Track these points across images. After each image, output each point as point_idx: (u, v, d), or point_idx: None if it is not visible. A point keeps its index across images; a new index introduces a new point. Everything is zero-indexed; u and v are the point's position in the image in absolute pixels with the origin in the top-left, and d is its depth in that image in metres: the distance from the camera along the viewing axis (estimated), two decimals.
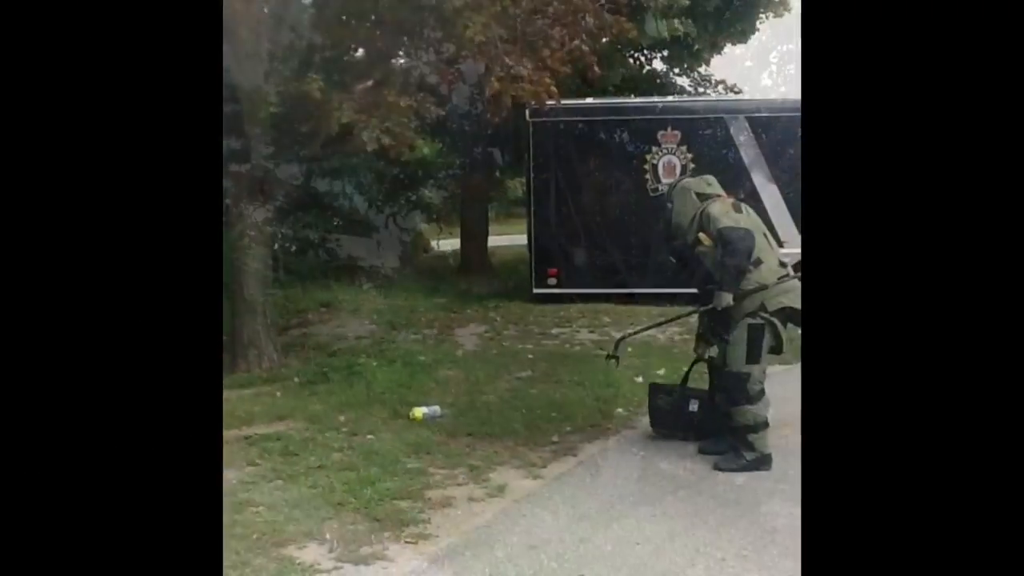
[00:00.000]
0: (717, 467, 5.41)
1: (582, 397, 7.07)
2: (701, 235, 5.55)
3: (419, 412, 6.56)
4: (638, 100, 13.97)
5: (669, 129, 12.31)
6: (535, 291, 12.68)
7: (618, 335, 9.79)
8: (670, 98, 15.34)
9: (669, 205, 5.85)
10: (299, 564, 4.07)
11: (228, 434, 6.26)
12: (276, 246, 13.48)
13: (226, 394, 7.53)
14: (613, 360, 6.27)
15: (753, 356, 5.41)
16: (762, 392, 5.45)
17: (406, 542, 4.35)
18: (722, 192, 5.79)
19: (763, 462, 5.41)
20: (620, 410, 6.69)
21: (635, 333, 7.09)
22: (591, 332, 10.37)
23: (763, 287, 5.38)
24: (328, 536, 4.38)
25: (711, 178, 5.92)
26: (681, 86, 18.57)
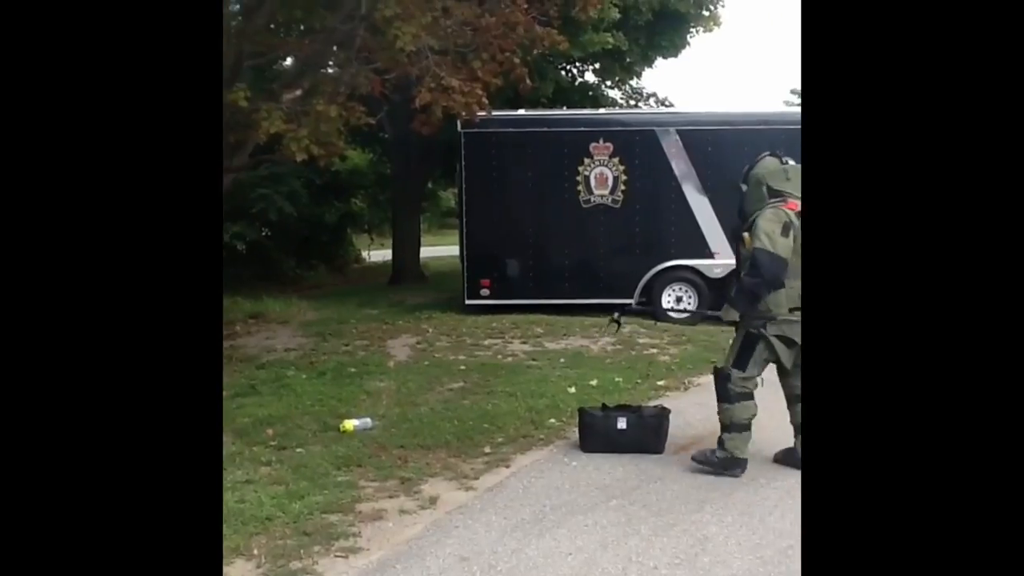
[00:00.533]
0: (693, 458, 5.54)
1: (515, 408, 7.06)
2: (745, 235, 5.45)
3: (350, 424, 6.49)
4: (570, 112, 14.07)
5: (601, 141, 12.40)
6: (468, 302, 12.66)
7: (550, 345, 9.85)
8: (602, 110, 15.48)
9: (744, 187, 5.64)
10: None
11: None
12: None
13: None
14: (615, 324, 6.66)
15: (740, 361, 5.45)
16: (743, 396, 5.44)
17: (336, 556, 4.29)
18: (798, 192, 5.37)
19: (733, 464, 5.44)
20: (552, 420, 6.70)
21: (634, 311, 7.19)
22: (523, 343, 10.39)
23: (771, 316, 5.34)
24: (256, 551, 4.31)
25: (794, 168, 5.51)
26: (613, 99, 18.76)
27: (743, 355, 5.45)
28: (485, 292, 12.59)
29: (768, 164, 5.60)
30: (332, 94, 7.57)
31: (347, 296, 15.74)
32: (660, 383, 8.03)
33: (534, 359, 9.36)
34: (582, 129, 12.55)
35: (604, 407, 6.22)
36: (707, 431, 5.92)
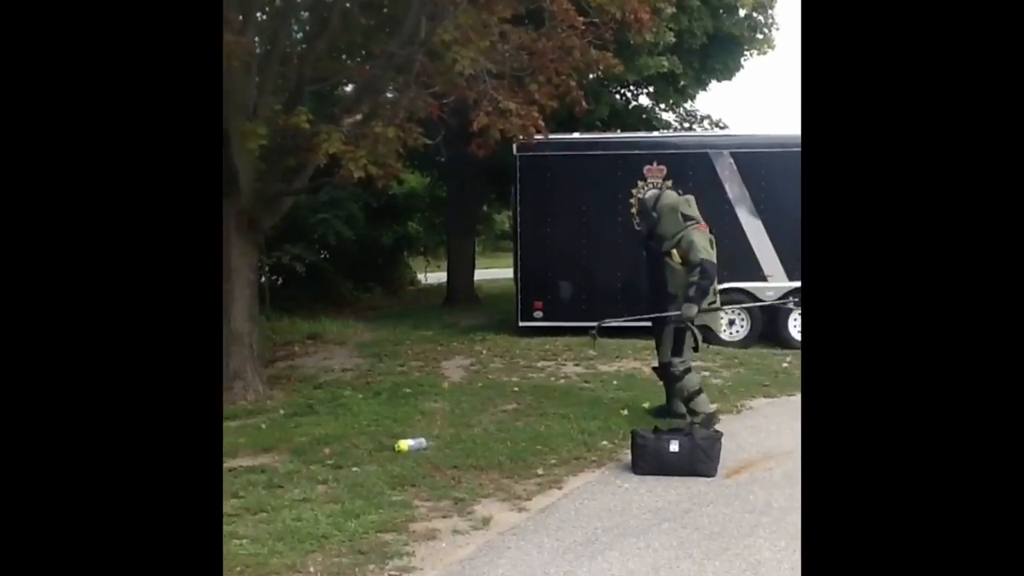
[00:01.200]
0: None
1: (567, 430, 7.07)
2: (675, 252, 7.05)
3: (404, 444, 6.55)
4: (624, 135, 14.08)
5: (655, 164, 12.40)
6: (521, 324, 12.70)
7: (603, 367, 9.85)
8: (656, 133, 15.47)
9: (655, 215, 7.28)
10: None
11: None
12: (263, 278, 13.53)
13: None
14: (593, 340, 7.92)
15: (676, 350, 7.11)
16: (685, 372, 7.10)
17: (390, 575, 4.34)
18: (699, 217, 7.19)
19: (710, 419, 6.88)
20: (605, 443, 6.70)
21: (613, 324, 8.52)
22: (576, 365, 10.39)
23: (714, 306, 7.28)
24: (312, 569, 4.37)
25: (691, 199, 7.33)
26: (667, 121, 18.75)
27: (678, 346, 7.11)
28: (538, 314, 12.62)
29: (673, 195, 7.49)
30: (391, 117, 7.68)
31: (402, 318, 15.88)
32: (712, 406, 7.98)
33: (587, 381, 9.37)
34: (636, 152, 12.56)
35: (656, 429, 6.22)
36: (759, 454, 5.88)
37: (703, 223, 7.18)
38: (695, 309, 6.96)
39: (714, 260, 6.99)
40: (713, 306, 7.20)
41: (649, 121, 17.81)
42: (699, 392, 7.10)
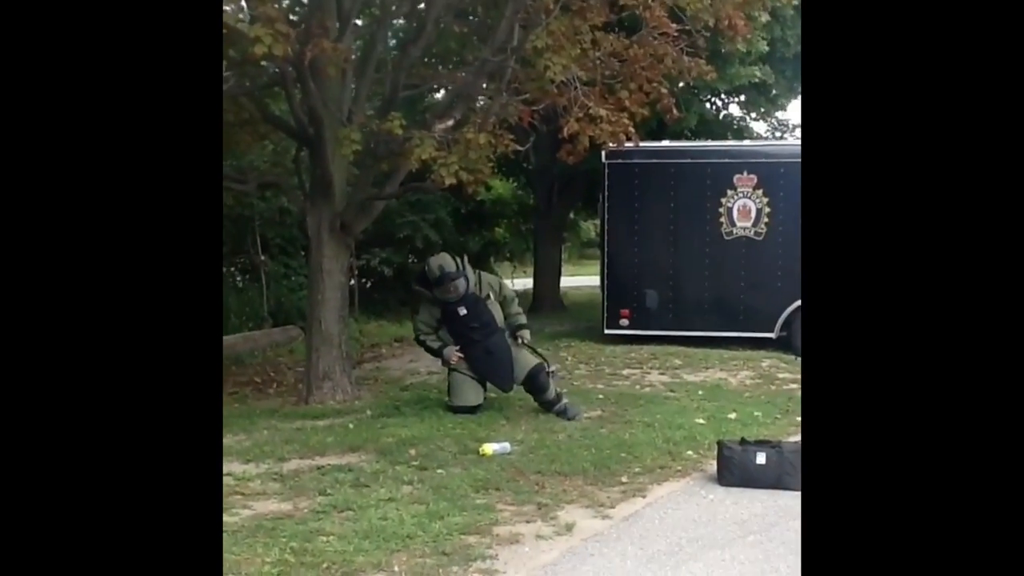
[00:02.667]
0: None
1: (652, 438, 7.03)
2: (491, 292, 8.35)
3: (489, 448, 6.59)
4: (715, 144, 13.94)
5: (745, 173, 12.26)
6: (607, 331, 12.67)
7: (689, 377, 9.77)
8: (747, 142, 15.29)
9: (468, 276, 8.26)
10: None
11: (302, 464, 6.38)
12: (353, 281, 13.75)
13: (300, 424, 7.68)
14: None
15: (538, 356, 8.38)
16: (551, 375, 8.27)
17: None
18: None
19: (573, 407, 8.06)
20: (690, 452, 6.64)
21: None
22: (662, 374, 10.32)
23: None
24: (397, 568, 4.42)
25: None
26: (757, 131, 18.51)
27: (536, 353, 8.40)
28: (624, 322, 12.58)
29: (444, 256, 8.43)
30: (482, 124, 7.75)
31: None
32: (800, 419, 7.85)
33: (672, 390, 9.30)
34: (726, 161, 12.43)
35: (743, 441, 6.14)
36: None
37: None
38: (528, 334, 8.55)
39: None
40: None
41: (739, 131, 17.62)
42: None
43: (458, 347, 8.17)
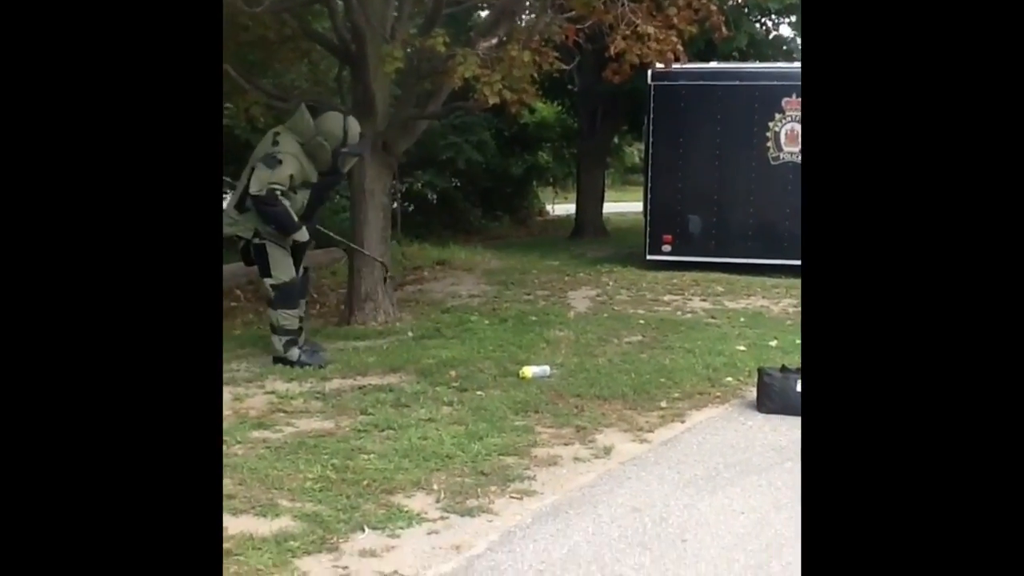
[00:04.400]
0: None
1: (692, 364, 7.00)
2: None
3: (528, 371, 6.60)
4: (763, 65, 13.63)
5: (794, 96, 11.98)
6: (649, 257, 12.59)
7: (730, 304, 9.71)
8: (797, 64, 14.92)
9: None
10: (406, 512, 4.15)
11: (343, 383, 6.44)
12: (395, 204, 13.74)
13: (342, 344, 7.75)
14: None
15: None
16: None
17: (511, 497, 4.39)
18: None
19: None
20: (729, 379, 6.61)
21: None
22: (703, 300, 10.26)
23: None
24: (435, 487, 4.46)
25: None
26: None
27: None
28: (667, 248, 12.49)
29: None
30: (526, 41, 7.61)
31: (530, 247, 15.93)
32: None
33: (713, 317, 9.24)
34: (775, 83, 12.16)
35: (783, 368, 6.09)
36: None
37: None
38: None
39: (269, 187, 6.70)
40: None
41: (790, 52, 17.19)
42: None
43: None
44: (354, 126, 7.05)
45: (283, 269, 6.92)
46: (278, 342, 6.95)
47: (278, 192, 6.68)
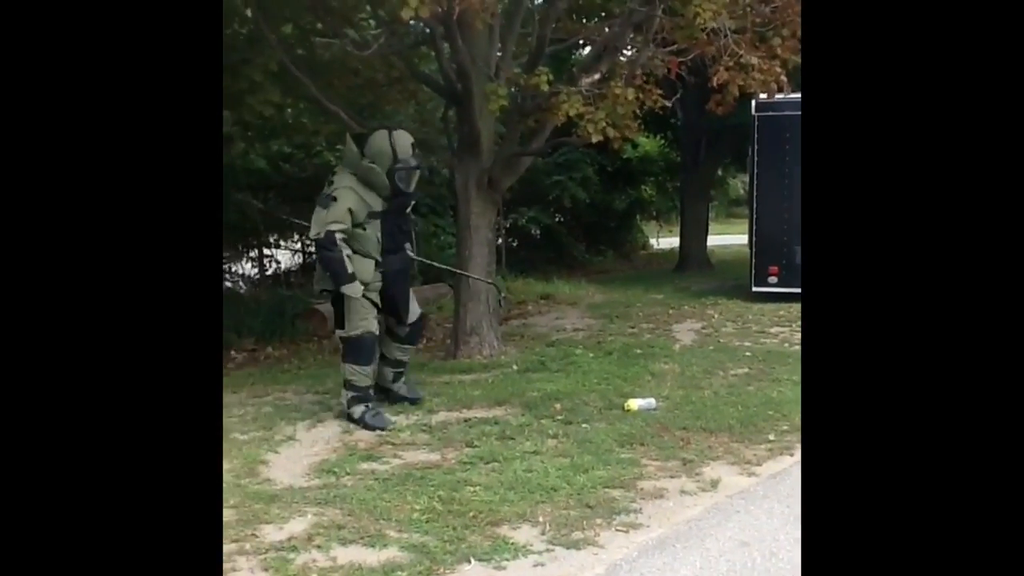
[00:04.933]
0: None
1: (800, 396, 6.84)
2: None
3: (634, 404, 6.57)
4: None
5: None
6: (755, 289, 12.40)
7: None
8: None
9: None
10: (512, 544, 4.17)
11: (449, 416, 6.51)
12: (500, 240, 13.88)
13: (448, 378, 7.83)
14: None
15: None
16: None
17: (617, 530, 4.37)
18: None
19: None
20: None
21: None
22: None
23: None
24: (541, 519, 4.46)
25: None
26: None
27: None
28: (773, 279, 12.28)
29: (394, 137, 6.57)
30: (629, 77, 7.64)
31: (634, 281, 15.86)
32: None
33: None
34: None
35: None
36: None
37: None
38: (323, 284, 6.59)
39: (327, 229, 6.23)
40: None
41: None
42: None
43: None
44: (402, 139, 6.54)
45: (357, 323, 6.43)
46: (344, 396, 6.53)
47: (336, 235, 6.24)
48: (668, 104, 8.15)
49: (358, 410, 6.41)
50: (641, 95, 7.57)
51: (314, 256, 6.86)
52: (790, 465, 5.36)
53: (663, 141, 20.91)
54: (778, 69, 7.67)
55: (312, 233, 6.41)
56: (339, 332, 6.54)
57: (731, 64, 7.39)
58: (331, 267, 6.32)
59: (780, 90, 8.11)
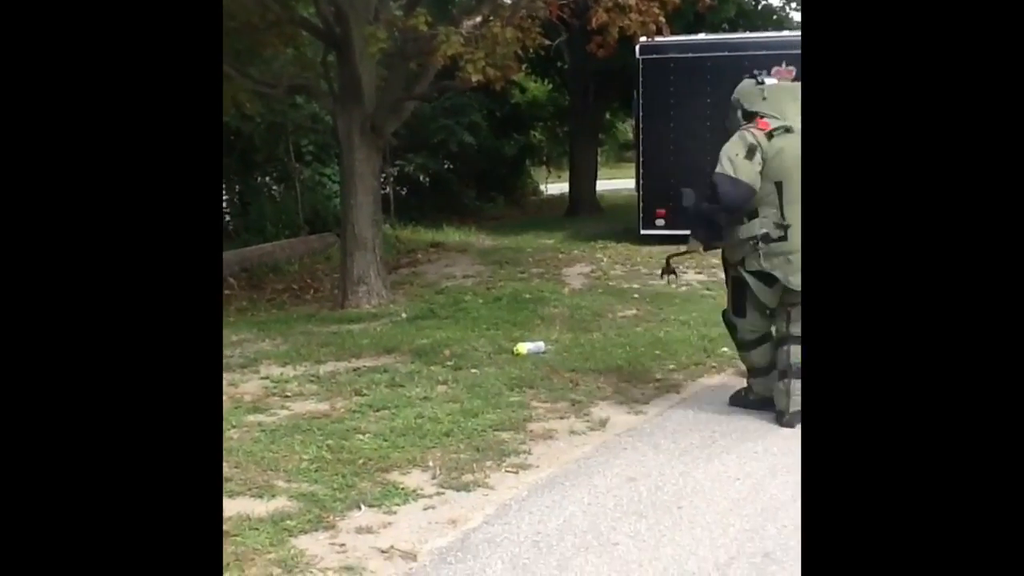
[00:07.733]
0: (730, 402, 5.38)
1: (687, 336, 7.00)
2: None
3: (523, 348, 6.60)
4: (752, 35, 13.57)
5: (784, 65, 11.91)
6: (643, 232, 12.57)
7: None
8: (786, 33, 14.85)
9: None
10: (402, 489, 4.15)
11: (338, 366, 6.44)
12: (388, 188, 13.73)
13: (336, 328, 7.74)
14: (671, 276, 6.06)
15: (737, 309, 5.20)
16: (757, 342, 5.19)
17: (507, 471, 4.39)
18: (774, 110, 5.02)
19: (764, 404, 5.18)
20: (725, 349, 6.60)
21: (680, 254, 6.11)
22: (698, 273, 10.25)
23: (739, 242, 5.03)
24: (431, 464, 4.46)
25: (772, 86, 5.19)
26: (798, 21, 18.01)
27: (736, 301, 5.18)
28: (660, 222, 12.46)
29: (744, 87, 5.27)
30: (509, 18, 7.58)
31: (524, 227, 15.92)
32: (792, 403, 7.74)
33: (708, 289, 9.24)
34: (764, 52, 12.08)
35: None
36: None
37: (766, 120, 4.97)
38: (696, 243, 5.42)
39: (742, 178, 4.81)
40: (759, 243, 4.90)
41: (779, 22, 17.14)
42: (764, 372, 5.18)
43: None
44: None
45: None
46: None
47: None
48: (550, 44, 8.13)
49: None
50: (521, 35, 7.52)
51: None
52: (676, 402, 5.47)
53: (551, 86, 20.92)
54: (656, 10, 7.71)
55: None
56: None
57: (610, 5, 7.39)
58: None
59: (659, 32, 8.16)
